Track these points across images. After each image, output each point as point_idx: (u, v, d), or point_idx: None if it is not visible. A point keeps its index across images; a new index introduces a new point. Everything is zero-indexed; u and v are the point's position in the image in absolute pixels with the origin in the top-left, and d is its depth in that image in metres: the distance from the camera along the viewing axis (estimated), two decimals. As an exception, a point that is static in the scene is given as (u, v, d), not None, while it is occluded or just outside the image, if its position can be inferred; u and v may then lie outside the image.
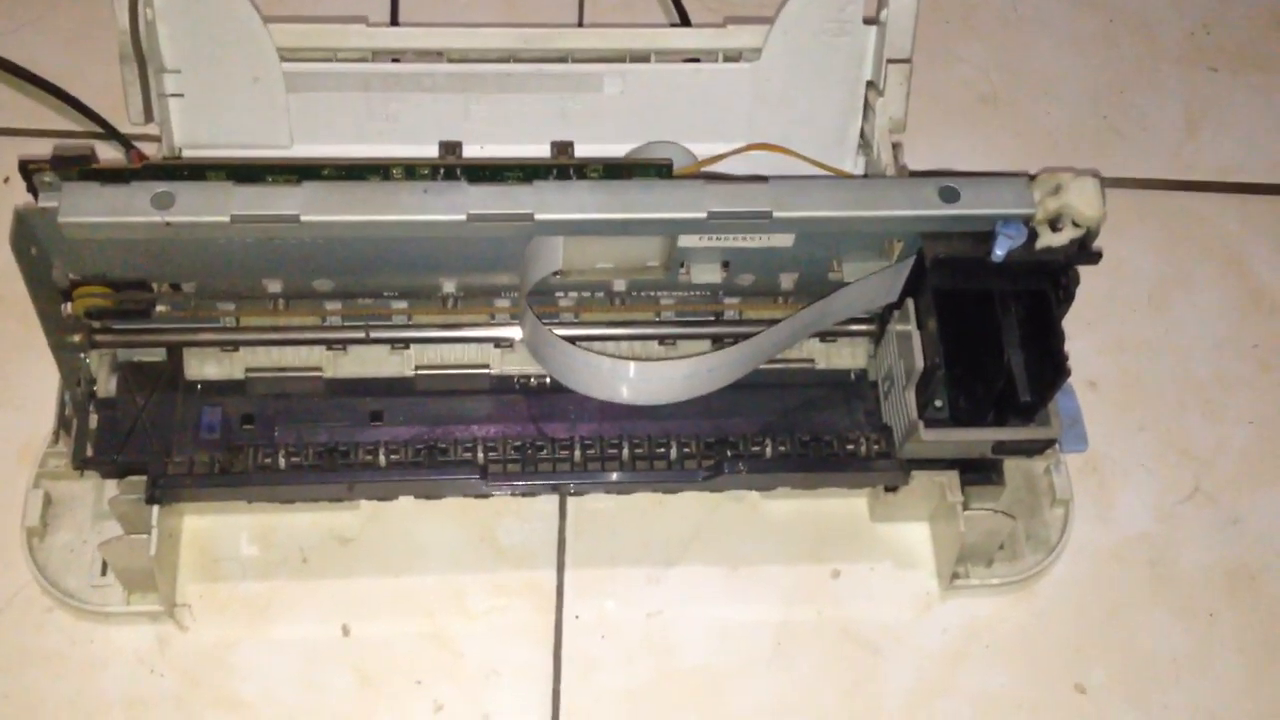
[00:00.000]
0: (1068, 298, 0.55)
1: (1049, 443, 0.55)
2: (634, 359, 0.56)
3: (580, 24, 0.77)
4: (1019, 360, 0.53)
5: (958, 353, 0.54)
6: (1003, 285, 0.54)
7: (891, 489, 0.60)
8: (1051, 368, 0.53)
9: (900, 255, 0.56)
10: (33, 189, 0.51)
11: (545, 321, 0.58)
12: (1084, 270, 0.56)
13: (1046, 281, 0.54)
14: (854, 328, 0.60)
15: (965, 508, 0.58)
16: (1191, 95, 0.78)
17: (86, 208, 0.50)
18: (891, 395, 0.58)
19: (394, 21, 0.72)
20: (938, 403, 0.55)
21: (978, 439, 0.55)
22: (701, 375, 0.56)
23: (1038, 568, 0.61)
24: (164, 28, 0.61)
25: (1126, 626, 0.61)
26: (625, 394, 0.56)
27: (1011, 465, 0.61)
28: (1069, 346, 0.67)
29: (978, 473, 0.59)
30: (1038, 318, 0.54)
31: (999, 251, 0.53)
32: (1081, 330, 0.69)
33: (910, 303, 0.56)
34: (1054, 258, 0.54)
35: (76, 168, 0.51)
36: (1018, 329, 0.54)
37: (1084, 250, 0.54)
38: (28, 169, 0.51)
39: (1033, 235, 0.53)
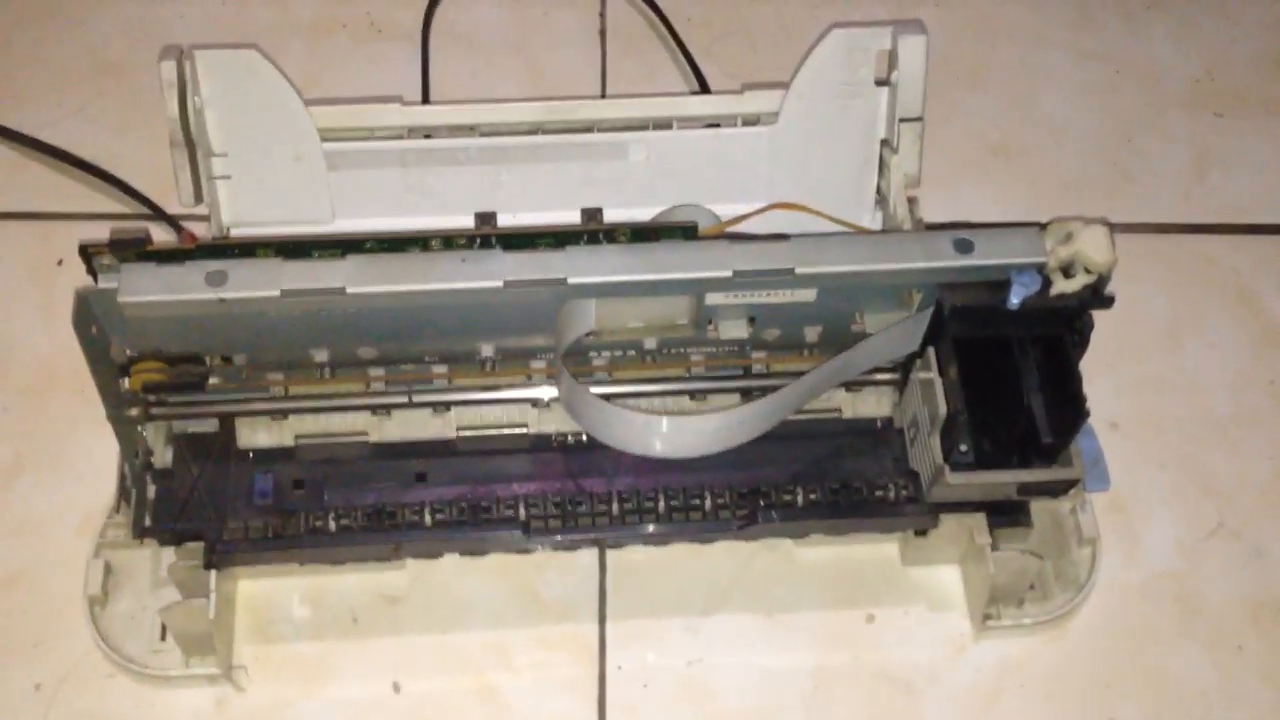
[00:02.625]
0: (1083, 341, 0.56)
1: (1072, 483, 0.57)
2: (666, 414, 0.58)
3: (603, 95, 0.80)
4: (1039, 403, 0.55)
5: (979, 398, 0.56)
6: (1019, 331, 0.56)
7: (921, 533, 0.62)
8: (1071, 410, 0.55)
9: (919, 305, 0.58)
10: (92, 271, 0.53)
11: (580, 380, 0.60)
12: (1100, 313, 0.58)
13: (1062, 326, 0.56)
14: (878, 377, 0.62)
15: (994, 549, 0.59)
16: (1198, 140, 0.79)
17: (145, 287, 0.52)
18: (917, 441, 0.59)
19: (425, 100, 0.75)
20: (963, 447, 0.56)
21: (1003, 481, 0.56)
22: (732, 428, 0.58)
23: (1068, 606, 0.62)
24: (211, 114, 0.63)
25: (1157, 661, 0.62)
26: (658, 448, 0.58)
27: (1038, 506, 0.62)
28: (1089, 388, 0.68)
29: (1005, 514, 0.61)
30: (1055, 361, 0.56)
31: (1014, 299, 0.55)
32: (1100, 372, 0.70)
33: (931, 351, 0.57)
34: (1068, 303, 0.55)
35: (133, 250, 0.53)
36: (1036, 373, 0.56)
37: (1097, 295, 0.55)
38: (88, 252, 0.53)
39: (1047, 282, 0.55)
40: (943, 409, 0.56)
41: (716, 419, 0.57)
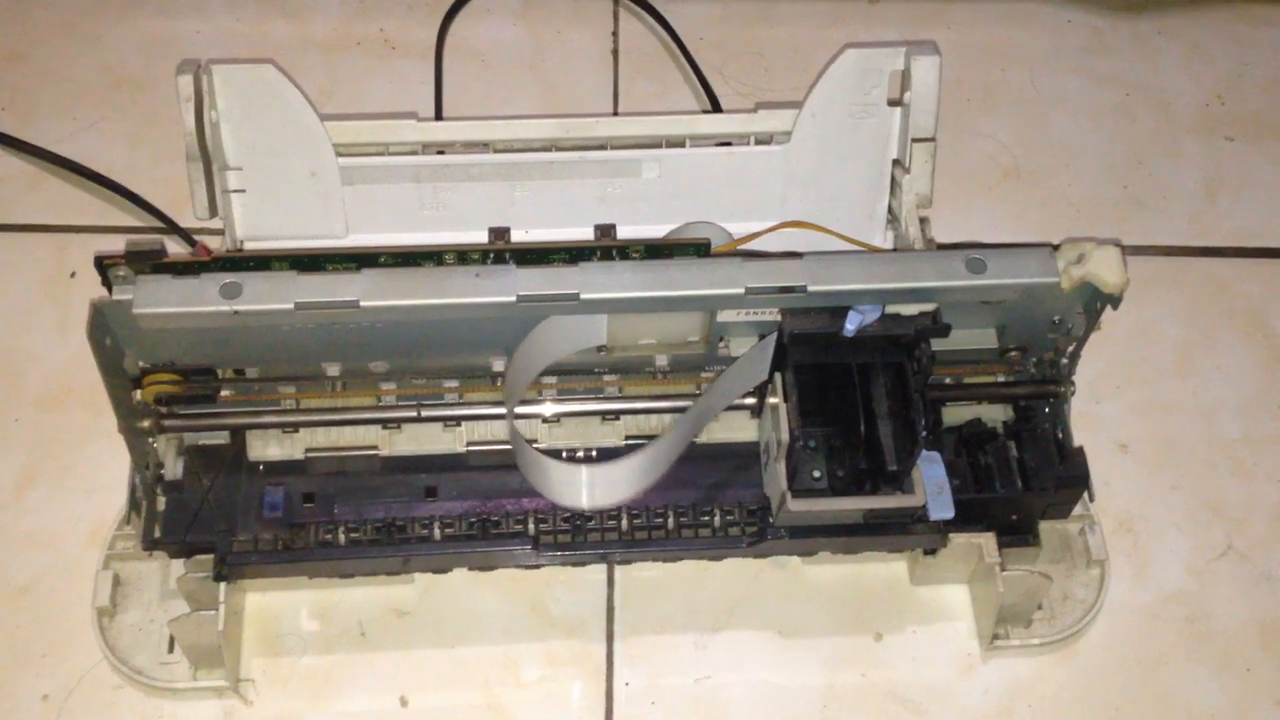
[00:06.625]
0: (922, 370, 0.56)
1: (916, 509, 0.56)
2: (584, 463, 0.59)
3: (615, 113, 0.80)
4: (886, 431, 0.55)
5: (828, 424, 0.56)
6: (865, 358, 0.56)
7: (930, 552, 0.61)
8: (910, 437, 0.55)
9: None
10: (108, 283, 0.53)
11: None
12: (1112, 335, 0.57)
13: (903, 354, 0.56)
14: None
15: (1003, 569, 0.59)
16: (1209, 164, 0.80)
17: (160, 299, 0.52)
18: (768, 466, 0.59)
19: (438, 116, 0.75)
20: (816, 473, 0.56)
21: (846, 508, 0.57)
22: (647, 469, 0.59)
23: (1076, 627, 0.62)
24: (227, 128, 0.64)
25: (1165, 683, 0.62)
26: (585, 500, 0.59)
27: (1047, 527, 0.62)
28: (1098, 410, 0.68)
29: (1014, 534, 0.61)
30: (899, 389, 0.56)
31: (850, 326, 0.55)
32: (1111, 393, 0.70)
33: (778, 377, 0.57)
34: (904, 331, 0.55)
35: (149, 262, 0.53)
36: (885, 400, 0.56)
37: (935, 323, 0.55)
38: (103, 264, 0.53)
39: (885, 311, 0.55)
40: (785, 435, 0.56)
41: (633, 463, 0.58)
